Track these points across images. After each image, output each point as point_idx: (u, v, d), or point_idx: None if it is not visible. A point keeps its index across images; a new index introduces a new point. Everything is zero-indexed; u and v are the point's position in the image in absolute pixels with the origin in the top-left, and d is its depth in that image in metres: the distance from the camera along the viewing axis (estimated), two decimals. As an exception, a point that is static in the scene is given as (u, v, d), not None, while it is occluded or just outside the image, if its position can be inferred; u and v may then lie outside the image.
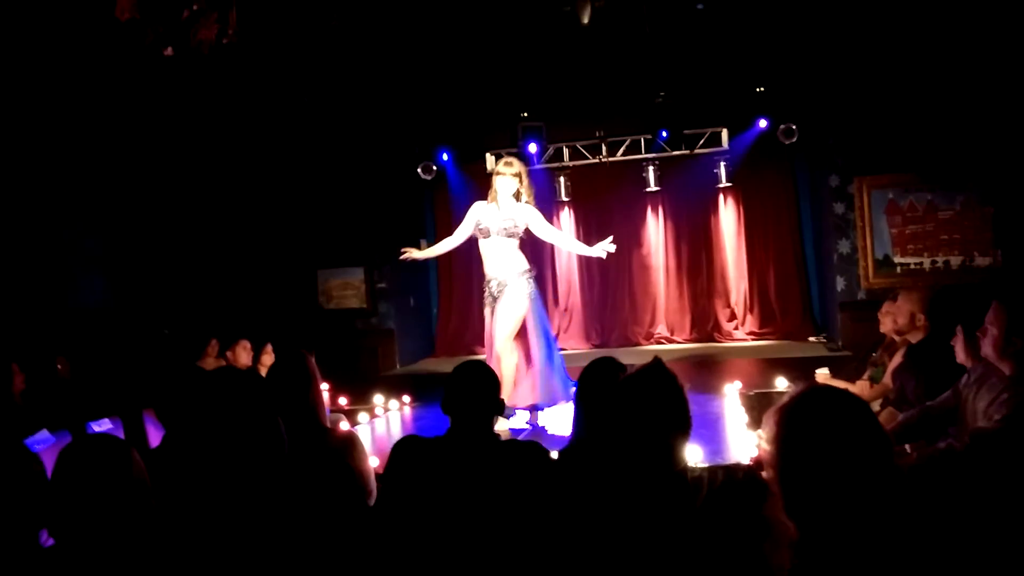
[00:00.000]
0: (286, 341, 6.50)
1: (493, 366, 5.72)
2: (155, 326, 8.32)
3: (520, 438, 5.06)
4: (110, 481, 1.96)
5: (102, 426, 4.49)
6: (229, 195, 9.60)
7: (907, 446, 3.65)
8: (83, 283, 8.20)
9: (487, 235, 5.75)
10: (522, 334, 5.80)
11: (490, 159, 10.19)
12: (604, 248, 5.94)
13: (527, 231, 5.91)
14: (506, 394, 5.64)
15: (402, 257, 6.34)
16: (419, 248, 6.68)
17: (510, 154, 10.01)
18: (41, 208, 7.62)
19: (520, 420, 5.71)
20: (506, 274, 5.70)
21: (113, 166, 8.26)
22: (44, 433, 4.33)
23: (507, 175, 5.76)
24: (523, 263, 5.80)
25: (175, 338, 7.83)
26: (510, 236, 5.73)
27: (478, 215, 5.86)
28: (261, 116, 8.58)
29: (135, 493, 2.00)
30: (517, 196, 5.81)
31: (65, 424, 4.53)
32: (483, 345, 10.56)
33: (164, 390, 2.97)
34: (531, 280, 5.80)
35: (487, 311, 5.86)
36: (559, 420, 5.49)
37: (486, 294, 5.85)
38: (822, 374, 5.42)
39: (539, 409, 5.74)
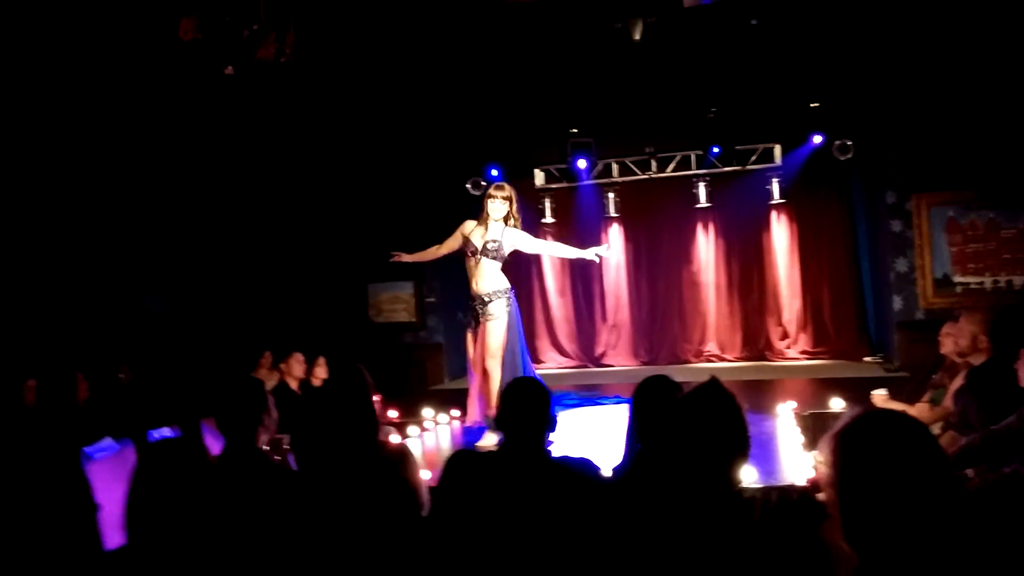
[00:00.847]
0: (336, 354, 6.59)
1: (476, 383, 5.89)
2: (213, 338, 8.48)
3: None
4: (188, 484, 2.01)
5: (163, 434, 4.59)
6: (284, 210, 9.77)
7: (969, 471, 3.56)
8: (146, 295, 8.41)
9: (474, 254, 5.87)
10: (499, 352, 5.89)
11: (539, 175, 10.25)
12: (597, 252, 6.17)
13: (515, 253, 6.04)
14: (492, 409, 5.69)
15: (392, 259, 6.54)
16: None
17: (559, 170, 10.17)
18: (106, 222, 7.84)
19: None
20: (488, 292, 5.82)
21: (175, 181, 8.47)
22: (107, 440, 4.44)
23: (498, 198, 5.87)
24: (505, 282, 5.90)
25: (231, 350, 7.97)
26: (494, 258, 5.85)
27: (466, 233, 5.97)
28: (316, 132, 8.73)
29: (208, 497, 2.05)
30: (506, 220, 5.90)
31: (127, 432, 4.64)
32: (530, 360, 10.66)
33: (226, 400, 3.03)
34: (513, 299, 5.91)
35: (469, 330, 5.98)
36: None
37: (470, 313, 5.97)
38: (880, 395, 5.30)
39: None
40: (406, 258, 6.49)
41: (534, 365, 9.38)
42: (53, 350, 6.75)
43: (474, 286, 5.90)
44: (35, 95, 6.48)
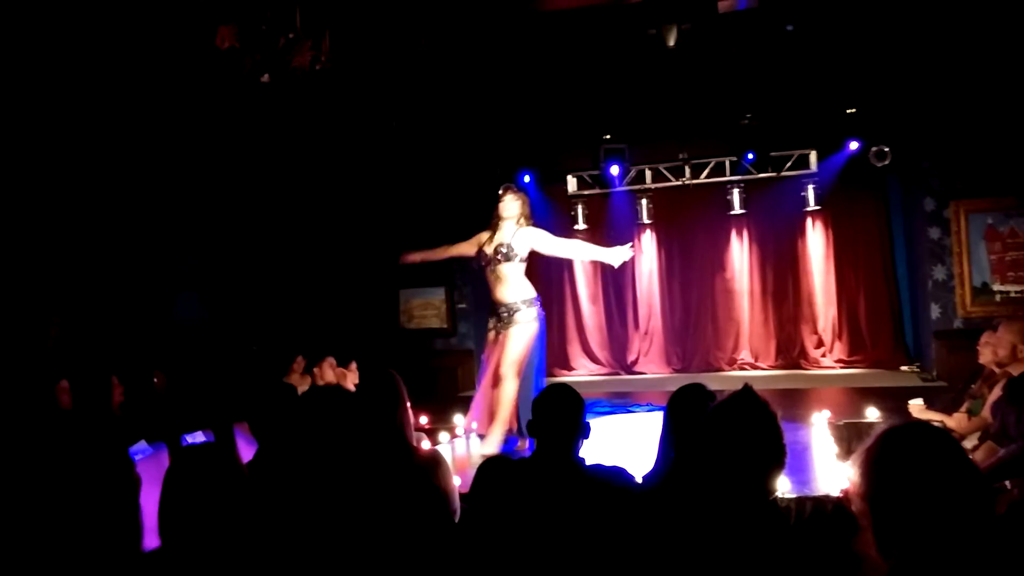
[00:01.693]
0: (368, 360, 6.63)
1: (482, 390, 5.84)
2: (246, 342, 8.58)
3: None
4: (221, 487, 2.03)
5: (196, 438, 4.64)
6: (317, 216, 9.86)
7: (1007, 482, 3.50)
8: (179, 300, 8.53)
9: (487, 263, 5.81)
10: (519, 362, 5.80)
11: (572, 181, 10.24)
12: (620, 253, 5.88)
13: (540, 258, 5.98)
14: (504, 419, 5.69)
15: (401, 261, 6.47)
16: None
17: (592, 176, 10.16)
18: (140, 227, 7.97)
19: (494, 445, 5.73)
20: (514, 300, 5.72)
21: (208, 188, 8.58)
22: (142, 444, 4.50)
23: (508, 199, 5.86)
24: (531, 290, 5.80)
25: (263, 354, 8.05)
26: (508, 260, 5.73)
27: (481, 243, 5.92)
28: (350, 140, 8.80)
29: (242, 500, 2.06)
30: (519, 220, 5.84)
31: (161, 436, 4.70)
32: (562, 367, 10.65)
33: (259, 405, 3.06)
34: (540, 309, 5.81)
35: (490, 336, 5.89)
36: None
37: (491, 321, 5.87)
38: (916, 405, 5.23)
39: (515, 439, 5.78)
40: (414, 257, 6.38)
41: (564, 372, 9.37)
42: (89, 355, 6.86)
43: (497, 294, 5.81)
44: (73, 100, 6.60)
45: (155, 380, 6.64)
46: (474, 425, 6.06)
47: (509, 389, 5.65)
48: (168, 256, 8.37)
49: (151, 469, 4.11)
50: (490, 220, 6.05)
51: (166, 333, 8.05)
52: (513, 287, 5.75)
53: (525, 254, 5.85)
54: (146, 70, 6.27)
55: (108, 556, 2.09)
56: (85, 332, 7.23)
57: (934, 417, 4.79)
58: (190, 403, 6.12)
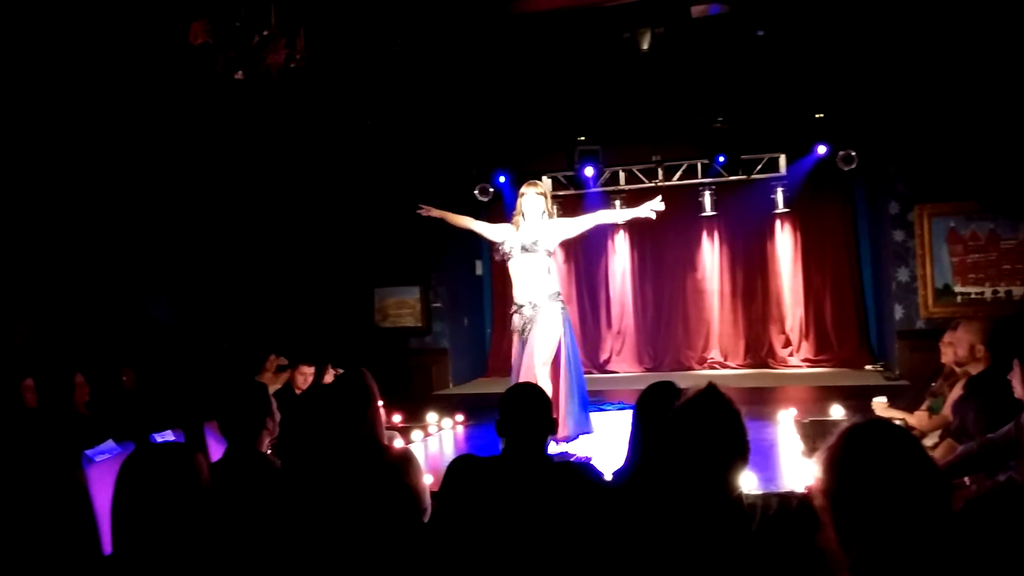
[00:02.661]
0: (342, 358, 6.62)
1: None
2: (217, 341, 8.52)
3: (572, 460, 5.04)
4: (177, 487, 2.01)
5: (165, 437, 4.62)
6: (291, 214, 9.82)
7: (966, 479, 3.59)
8: (150, 298, 8.46)
9: (510, 257, 5.64)
10: (553, 362, 5.62)
11: (546, 181, 10.28)
12: (652, 207, 5.82)
13: (561, 244, 5.80)
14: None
15: (419, 211, 6.26)
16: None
17: (566, 177, 10.21)
18: (111, 224, 7.89)
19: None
20: (537, 297, 5.56)
21: (182, 185, 8.52)
22: (109, 443, 4.47)
23: (530, 193, 5.67)
24: (554, 285, 5.67)
25: (235, 353, 8.01)
26: (535, 253, 5.57)
27: (503, 236, 5.73)
28: (325, 138, 8.78)
29: (201, 500, 2.05)
30: (544, 216, 5.71)
31: (129, 435, 4.68)
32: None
33: (229, 403, 3.05)
34: (563, 303, 5.67)
35: (516, 336, 5.70)
36: (580, 453, 5.37)
37: (516, 318, 5.65)
38: (879, 403, 5.34)
39: (565, 441, 5.57)
40: (433, 212, 6.18)
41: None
42: (56, 352, 6.80)
43: (518, 291, 5.64)
44: (43, 97, 6.54)
45: (124, 378, 6.59)
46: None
47: (561, 391, 5.51)
48: (140, 254, 8.29)
49: (117, 469, 4.11)
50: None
51: (136, 331, 7.98)
52: (537, 282, 5.59)
53: (554, 247, 5.72)
54: (118, 66, 6.22)
55: (63, 556, 2.08)
56: (55, 330, 7.16)
57: (896, 415, 4.89)
58: (160, 402, 6.09)
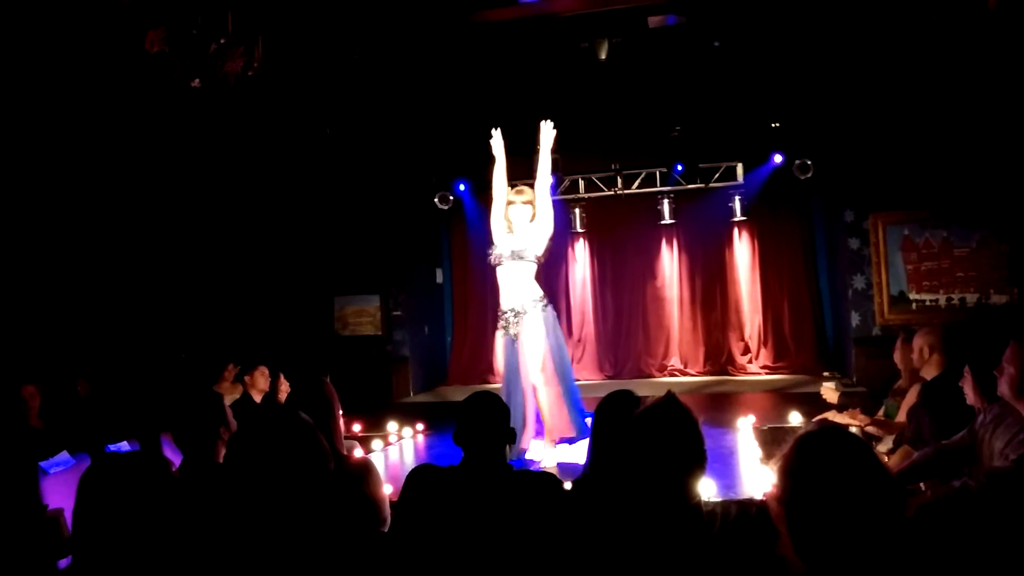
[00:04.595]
0: (301, 367, 6.55)
1: (527, 399, 5.53)
2: (174, 350, 8.39)
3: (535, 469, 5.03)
4: (147, 497, 1.98)
5: (121, 449, 4.54)
6: (248, 221, 9.72)
7: (922, 484, 3.64)
8: (104, 306, 8.30)
9: (502, 261, 5.69)
10: (543, 366, 5.64)
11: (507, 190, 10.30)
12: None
13: (544, 249, 5.78)
14: (557, 426, 5.53)
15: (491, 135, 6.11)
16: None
17: (526, 184, 10.20)
18: (65, 230, 7.74)
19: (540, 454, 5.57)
20: (523, 302, 5.61)
21: (133, 191, 8.39)
22: (64, 455, 4.38)
23: (518, 203, 5.74)
24: (538, 291, 5.71)
25: (193, 362, 7.89)
26: (524, 260, 5.64)
27: (496, 238, 5.79)
28: (283, 146, 8.71)
29: (166, 512, 2.02)
30: (531, 221, 5.75)
31: (84, 446, 4.59)
32: (494, 374, 10.67)
33: (185, 414, 3.01)
34: (550, 307, 5.71)
35: (502, 341, 5.72)
36: (576, 457, 5.35)
37: (502, 323, 5.71)
38: (828, 387, 5.46)
39: (569, 443, 5.60)
40: (497, 145, 6.09)
41: (498, 380, 9.31)
42: (7, 362, 6.64)
43: (506, 296, 5.68)
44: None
45: (78, 388, 6.46)
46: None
47: (551, 394, 5.53)
48: (95, 261, 8.14)
49: (72, 481, 4.02)
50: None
51: (91, 339, 7.82)
52: (524, 288, 5.64)
53: (541, 251, 5.76)
54: (75, 73, 6.12)
55: (19, 569, 2.04)
56: (6, 339, 6.99)
57: (851, 422, 4.95)
58: (115, 412, 5.97)
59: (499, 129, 6.08)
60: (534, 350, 5.55)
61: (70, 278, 7.83)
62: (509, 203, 5.78)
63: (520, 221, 5.73)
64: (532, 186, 5.95)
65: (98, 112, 6.92)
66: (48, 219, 7.55)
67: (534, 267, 5.74)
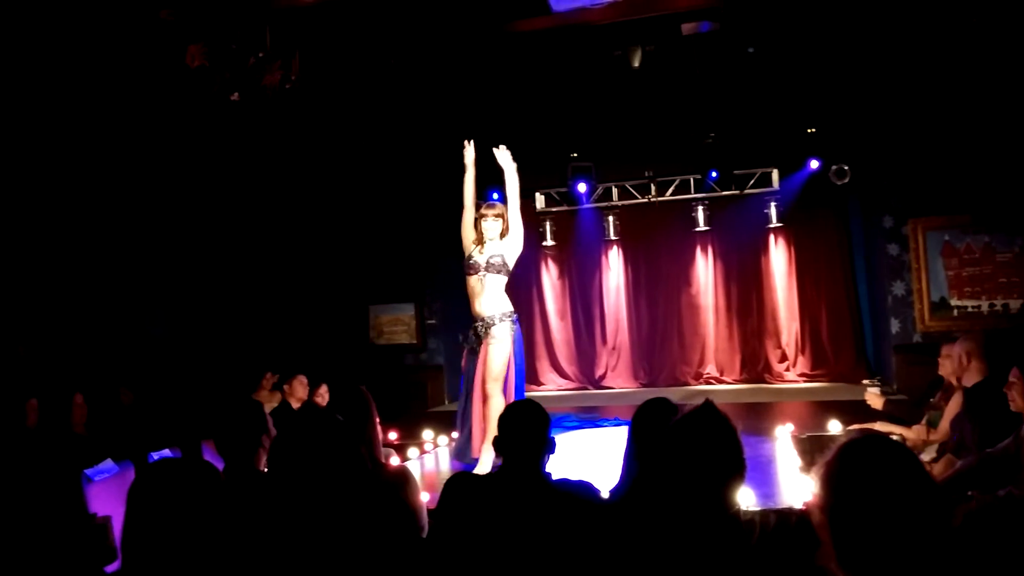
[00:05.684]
0: (337, 375, 6.61)
1: (476, 407, 5.69)
2: (215, 358, 8.51)
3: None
4: (194, 503, 2.01)
5: (163, 456, 4.61)
6: (287, 232, 9.84)
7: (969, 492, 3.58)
8: (147, 317, 8.45)
9: (476, 271, 5.78)
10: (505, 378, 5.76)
11: (540, 198, 10.33)
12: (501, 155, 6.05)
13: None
14: (490, 436, 5.62)
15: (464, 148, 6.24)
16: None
17: (559, 194, 10.25)
18: (109, 243, 7.90)
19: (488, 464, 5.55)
20: (492, 314, 5.70)
21: (179, 204, 8.54)
22: (108, 462, 4.47)
23: (490, 216, 5.84)
24: (508, 305, 5.80)
25: (232, 371, 8.00)
26: (497, 272, 5.75)
27: (470, 249, 5.90)
28: (320, 157, 8.81)
29: (212, 516, 2.04)
30: (502, 236, 5.86)
31: (128, 454, 4.67)
32: (531, 382, 10.68)
33: (229, 422, 3.05)
34: (516, 323, 5.81)
35: (467, 351, 5.86)
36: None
37: (470, 334, 5.84)
38: (872, 393, 5.40)
39: None
40: (470, 156, 6.25)
41: (533, 387, 9.31)
42: (55, 372, 6.78)
43: (477, 307, 5.78)
44: (43, 119, 6.55)
45: (122, 397, 6.58)
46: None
47: (497, 406, 5.55)
48: (137, 272, 8.29)
49: (116, 488, 4.10)
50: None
51: (134, 350, 7.96)
52: (495, 300, 5.75)
53: (512, 265, 5.87)
54: (117, 87, 6.24)
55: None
56: (53, 350, 7.15)
57: (894, 430, 4.89)
58: (158, 420, 6.07)
59: (472, 141, 6.25)
60: (499, 362, 5.63)
61: (115, 292, 7.99)
62: (481, 216, 5.88)
63: (491, 234, 5.83)
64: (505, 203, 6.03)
65: (137, 126, 7.05)
66: (95, 236, 7.71)
67: (505, 280, 5.83)
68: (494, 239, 5.84)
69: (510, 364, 5.74)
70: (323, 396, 6.75)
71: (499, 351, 5.66)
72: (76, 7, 5.06)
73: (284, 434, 2.51)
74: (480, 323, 5.76)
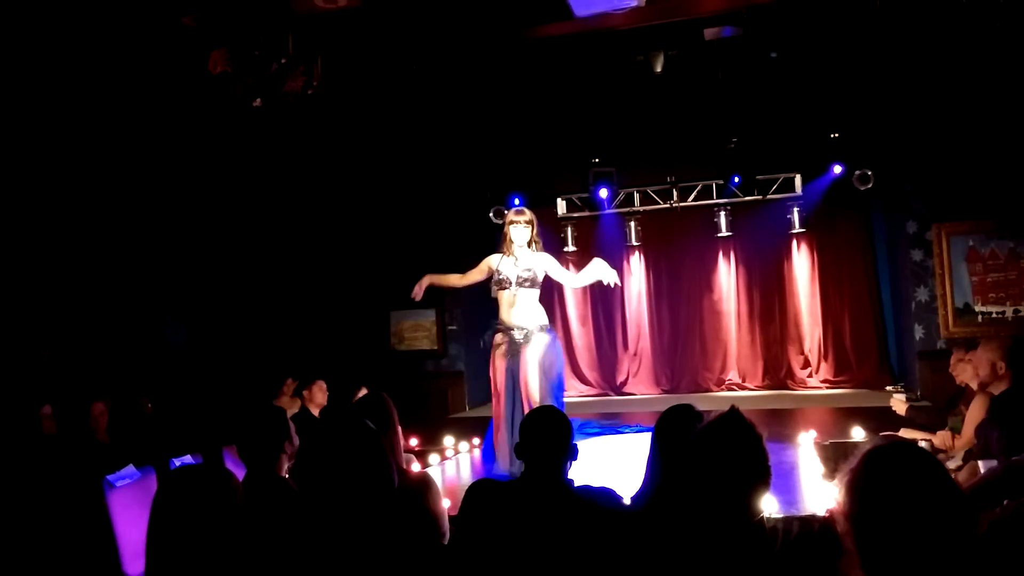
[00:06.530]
0: (357, 382, 6.63)
1: (504, 424, 5.56)
2: (235, 365, 8.56)
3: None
4: (217, 509, 2.02)
5: (185, 463, 4.64)
6: (308, 238, 9.89)
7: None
8: (168, 324, 8.52)
9: (507, 286, 5.69)
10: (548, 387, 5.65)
11: (561, 203, 10.33)
12: (610, 279, 5.76)
13: (545, 277, 5.83)
14: None
15: (413, 295, 6.22)
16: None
17: (581, 199, 10.24)
18: (130, 251, 7.97)
19: None
20: (531, 325, 5.62)
21: (200, 211, 8.61)
22: (130, 468, 4.49)
23: (520, 223, 5.74)
24: (544, 316, 5.75)
25: (253, 377, 8.05)
26: (532, 286, 5.68)
27: (494, 266, 5.81)
28: (341, 163, 8.85)
29: (237, 522, 2.05)
30: (531, 244, 5.78)
31: (149, 460, 4.70)
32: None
33: (251, 429, 3.06)
34: (552, 333, 5.74)
35: (503, 361, 5.67)
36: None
37: (507, 342, 5.67)
38: (898, 399, 5.35)
39: None
40: (424, 283, 6.19)
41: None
42: (77, 378, 6.85)
43: (510, 318, 5.68)
44: (68, 123, 6.63)
45: (144, 404, 6.63)
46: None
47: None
48: (157, 280, 8.37)
49: (138, 494, 4.13)
50: (486, 242, 6.02)
51: (155, 357, 8.03)
52: (530, 312, 5.68)
53: (542, 278, 5.79)
54: (139, 94, 6.31)
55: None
56: (74, 357, 7.22)
57: (918, 436, 4.84)
58: (179, 427, 6.11)
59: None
60: (549, 371, 5.55)
61: (135, 301, 8.06)
62: (511, 223, 5.79)
63: (520, 242, 5.74)
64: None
65: (161, 132, 7.12)
66: (117, 244, 7.79)
67: (538, 292, 5.77)
68: (523, 247, 5.75)
69: (557, 375, 5.64)
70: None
71: (551, 361, 5.57)
72: (101, 13, 5.11)
73: (318, 440, 2.52)
74: (518, 331, 5.64)
